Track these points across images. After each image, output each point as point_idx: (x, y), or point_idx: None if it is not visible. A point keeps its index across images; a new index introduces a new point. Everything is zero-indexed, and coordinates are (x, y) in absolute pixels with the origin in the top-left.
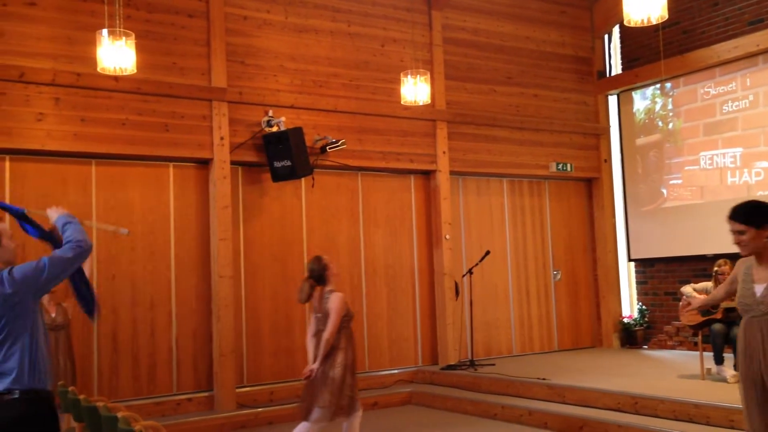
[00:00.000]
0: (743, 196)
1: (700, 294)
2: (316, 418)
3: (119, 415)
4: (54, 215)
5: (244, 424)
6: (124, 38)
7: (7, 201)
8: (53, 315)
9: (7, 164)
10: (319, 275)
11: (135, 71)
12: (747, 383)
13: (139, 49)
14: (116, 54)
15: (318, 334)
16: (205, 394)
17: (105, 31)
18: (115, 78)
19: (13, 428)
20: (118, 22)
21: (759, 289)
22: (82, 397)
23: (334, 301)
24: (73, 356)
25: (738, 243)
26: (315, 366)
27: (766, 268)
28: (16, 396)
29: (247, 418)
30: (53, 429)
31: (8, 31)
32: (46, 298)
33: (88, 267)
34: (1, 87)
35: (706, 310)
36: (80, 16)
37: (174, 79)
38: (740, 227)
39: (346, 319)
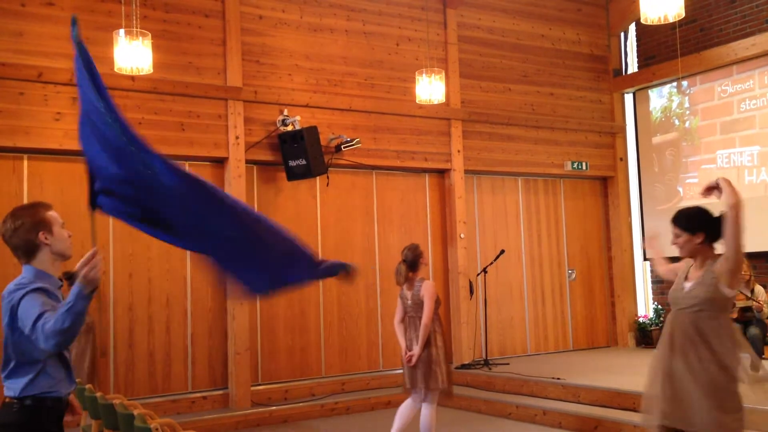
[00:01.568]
0: (761, 195)
1: None
2: (433, 399)
3: (135, 412)
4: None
5: (258, 422)
6: (140, 38)
7: (25, 200)
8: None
9: (25, 163)
10: (413, 261)
11: (151, 71)
12: (657, 371)
13: (156, 48)
14: (133, 54)
15: (405, 319)
16: (220, 392)
17: (122, 31)
18: (132, 78)
19: None
20: (134, 22)
21: (687, 285)
22: (98, 394)
23: (428, 288)
24: (96, 357)
25: (674, 244)
26: (416, 351)
27: (699, 269)
28: (16, 403)
29: (262, 416)
30: None
31: (27, 31)
32: None
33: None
34: (19, 87)
35: None
36: (97, 16)
37: (190, 78)
38: (676, 231)
39: (437, 306)
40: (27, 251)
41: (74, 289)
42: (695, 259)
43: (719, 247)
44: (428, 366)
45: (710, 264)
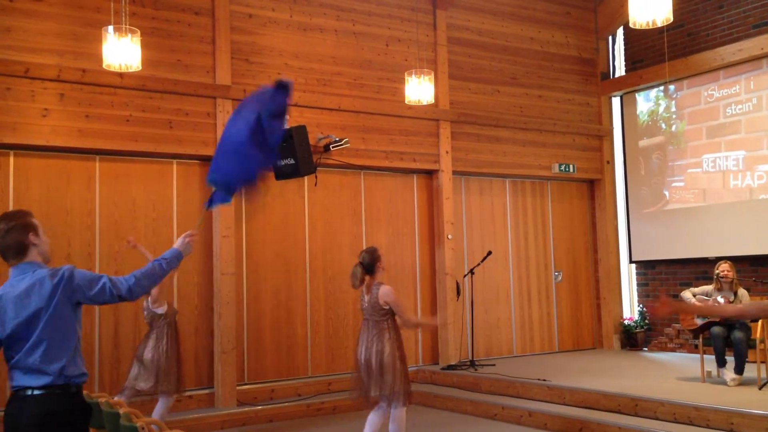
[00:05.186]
0: (745, 199)
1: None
2: (403, 401)
3: (121, 411)
4: (177, 243)
5: (244, 422)
6: (129, 35)
7: (11, 197)
8: (163, 309)
9: (12, 159)
10: (369, 264)
11: (140, 68)
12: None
13: (145, 46)
14: (121, 50)
15: (363, 323)
16: (206, 391)
17: (111, 28)
18: (120, 74)
19: (47, 422)
20: (123, 18)
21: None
22: (84, 392)
23: (390, 294)
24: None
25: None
26: (437, 321)
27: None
28: (50, 390)
29: (248, 416)
30: (85, 423)
31: (14, 26)
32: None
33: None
34: (6, 82)
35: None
36: (86, 13)
37: (179, 76)
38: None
39: (392, 310)
40: (18, 251)
41: (174, 249)
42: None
43: None
44: (393, 369)
45: None
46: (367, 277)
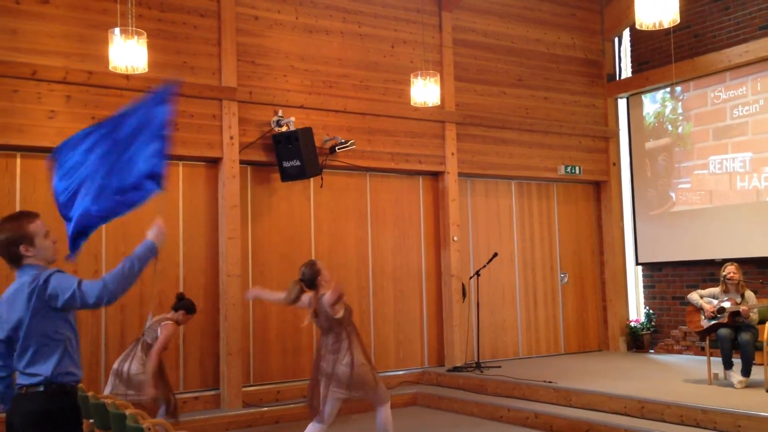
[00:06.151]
0: (752, 201)
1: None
2: (386, 399)
3: (127, 412)
4: (149, 235)
5: (250, 423)
6: (135, 37)
7: (17, 198)
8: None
9: (18, 161)
10: (310, 280)
11: (146, 70)
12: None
13: (151, 48)
14: (128, 53)
15: (321, 336)
16: (212, 392)
17: (117, 30)
18: (126, 76)
19: (36, 421)
20: (130, 21)
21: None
22: (90, 393)
23: (330, 297)
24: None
25: None
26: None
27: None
28: (41, 390)
29: (254, 417)
30: (75, 423)
31: (21, 29)
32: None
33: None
34: (13, 84)
35: (713, 316)
36: (92, 15)
37: (184, 78)
38: None
39: (350, 314)
40: (12, 261)
41: (146, 241)
42: None
43: None
44: (368, 374)
45: None
46: (311, 292)
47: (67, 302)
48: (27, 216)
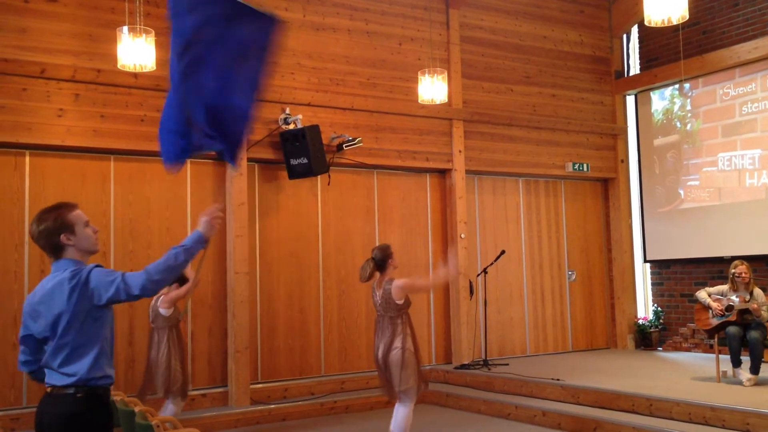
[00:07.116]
0: (761, 198)
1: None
2: (411, 399)
3: (136, 409)
4: (200, 221)
5: (258, 421)
6: (144, 35)
7: (26, 196)
8: (168, 312)
9: (27, 159)
10: (381, 261)
11: (155, 68)
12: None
13: (159, 46)
14: (136, 51)
15: (378, 319)
16: (220, 389)
17: (125, 28)
18: (135, 75)
19: (65, 423)
20: (138, 19)
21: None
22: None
23: (402, 287)
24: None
25: None
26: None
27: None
28: (71, 392)
29: (261, 415)
30: (106, 425)
31: (29, 27)
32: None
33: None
34: (22, 83)
35: (721, 313)
36: (101, 13)
37: None
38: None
39: (407, 306)
40: (53, 251)
41: (195, 233)
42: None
43: None
44: (405, 365)
45: None
46: (377, 274)
47: (111, 297)
48: (66, 206)
